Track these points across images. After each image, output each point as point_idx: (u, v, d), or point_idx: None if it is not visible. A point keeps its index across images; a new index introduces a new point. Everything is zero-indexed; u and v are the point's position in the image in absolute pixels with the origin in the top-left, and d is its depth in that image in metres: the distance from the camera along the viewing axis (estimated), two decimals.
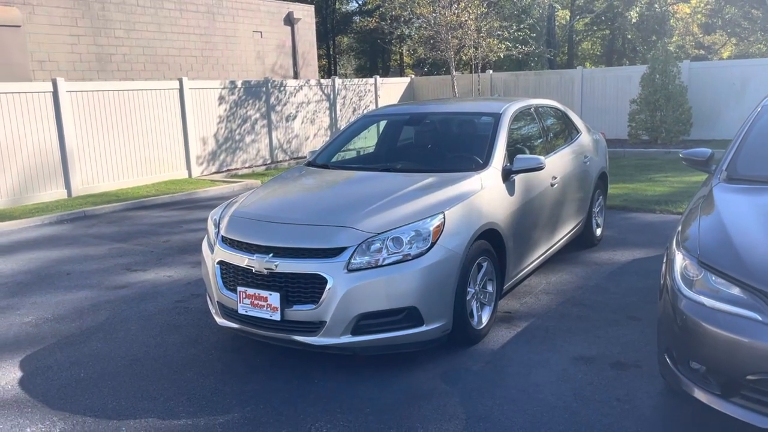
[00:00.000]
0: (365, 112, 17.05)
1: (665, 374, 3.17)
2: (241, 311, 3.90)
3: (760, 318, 2.70)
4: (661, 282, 3.31)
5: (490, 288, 4.36)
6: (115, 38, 14.28)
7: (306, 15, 19.39)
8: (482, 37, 15.62)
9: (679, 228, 3.45)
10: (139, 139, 11.81)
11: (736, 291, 2.83)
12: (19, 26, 12.25)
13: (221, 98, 13.46)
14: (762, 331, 2.68)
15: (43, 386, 3.85)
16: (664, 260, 3.39)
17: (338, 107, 16.46)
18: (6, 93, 9.77)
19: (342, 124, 16.45)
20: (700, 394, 2.90)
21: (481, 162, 4.71)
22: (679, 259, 3.13)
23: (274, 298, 3.75)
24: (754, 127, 4.14)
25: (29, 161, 10.12)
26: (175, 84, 12.51)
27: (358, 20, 36.27)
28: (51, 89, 10.34)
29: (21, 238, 8.00)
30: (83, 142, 10.88)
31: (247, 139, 14.12)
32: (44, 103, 10.27)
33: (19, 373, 4.04)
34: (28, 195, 10.13)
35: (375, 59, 38.77)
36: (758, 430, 2.76)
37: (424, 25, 16.16)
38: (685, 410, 3.31)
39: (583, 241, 6.37)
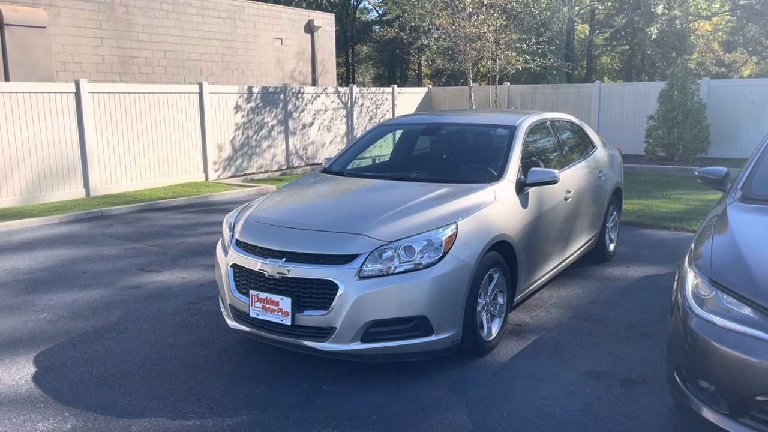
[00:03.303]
0: (382, 120, 17.14)
1: (674, 392, 3.16)
2: (252, 314, 3.94)
3: None
4: (673, 299, 3.30)
5: (500, 300, 4.37)
6: (138, 41, 14.50)
7: (326, 23, 19.56)
8: (500, 49, 15.66)
9: (692, 246, 3.44)
10: (157, 141, 11.95)
11: (747, 311, 2.82)
12: (45, 27, 12.49)
13: (239, 103, 13.59)
14: None
15: (55, 382, 3.91)
16: (676, 278, 3.39)
17: (355, 115, 16.55)
18: (29, 92, 9.95)
19: (358, 132, 16.53)
20: (708, 414, 2.89)
21: (496, 174, 4.73)
22: (691, 277, 3.12)
23: (285, 302, 3.79)
24: None
25: (50, 160, 10.28)
26: (195, 88, 12.66)
27: (377, 30, 36.48)
28: (74, 90, 10.52)
29: (39, 235, 8.12)
30: (103, 143, 11.04)
31: (264, 144, 14.24)
32: (66, 104, 10.44)
33: (33, 369, 4.11)
34: (47, 193, 10.28)
35: (393, 68, 38.94)
36: None
37: (443, 36, 16.24)
38: (694, 429, 3.29)
39: (595, 255, 6.35)
